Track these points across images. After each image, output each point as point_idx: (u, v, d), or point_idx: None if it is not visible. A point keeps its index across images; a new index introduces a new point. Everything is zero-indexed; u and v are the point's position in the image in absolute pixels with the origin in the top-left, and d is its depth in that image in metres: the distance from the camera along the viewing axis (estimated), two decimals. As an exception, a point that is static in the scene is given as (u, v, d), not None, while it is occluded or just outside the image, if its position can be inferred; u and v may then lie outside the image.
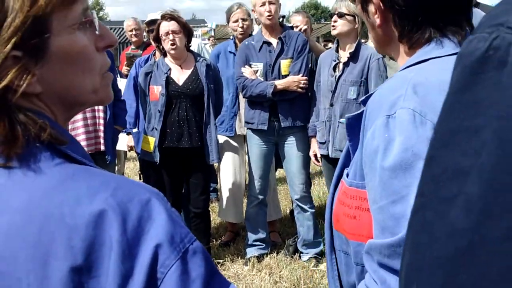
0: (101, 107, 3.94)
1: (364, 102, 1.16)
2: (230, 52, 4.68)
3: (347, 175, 1.19)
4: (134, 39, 6.04)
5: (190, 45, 4.09)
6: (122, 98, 4.27)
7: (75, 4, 0.78)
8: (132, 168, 7.73)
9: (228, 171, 4.63)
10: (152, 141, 3.94)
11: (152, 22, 4.73)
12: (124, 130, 4.46)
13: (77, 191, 0.71)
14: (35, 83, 0.75)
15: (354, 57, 3.81)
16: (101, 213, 0.69)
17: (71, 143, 0.78)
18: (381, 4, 1.15)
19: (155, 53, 4.68)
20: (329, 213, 1.28)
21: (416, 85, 1.04)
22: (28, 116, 0.74)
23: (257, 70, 4.11)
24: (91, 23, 0.81)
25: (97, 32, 0.83)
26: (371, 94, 1.15)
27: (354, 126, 1.19)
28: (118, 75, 4.80)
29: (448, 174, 0.48)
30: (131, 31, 5.98)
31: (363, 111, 1.15)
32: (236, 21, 4.53)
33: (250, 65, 4.13)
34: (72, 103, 0.83)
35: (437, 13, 1.12)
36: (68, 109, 0.84)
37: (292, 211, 5.04)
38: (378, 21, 1.17)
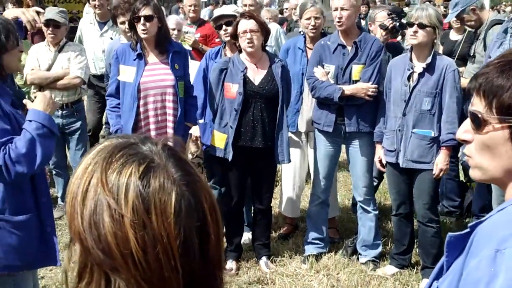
0: (171, 104, 4.00)
1: (473, 227, 1.13)
2: (299, 48, 4.69)
3: None
4: (191, 14, 6.16)
5: (266, 44, 4.14)
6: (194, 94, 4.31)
7: None
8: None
9: (290, 167, 4.70)
10: (224, 137, 4.02)
11: (219, 18, 4.72)
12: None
13: None
14: None
15: (430, 67, 3.79)
16: None
17: None
18: None
19: (225, 45, 4.69)
20: None
21: None
22: None
23: (329, 72, 4.14)
24: None
25: None
26: (481, 221, 1.12)
27: (454, 246, 1.16)
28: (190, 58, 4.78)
29: None
30: (190, 5, 6.11)
31: (467, 232, 1.13)
32: (309, 18, 4.54)
33: (322, 66, 4.15)
34: None
35: None
36: None
37: (353, 204, 5.01)
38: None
